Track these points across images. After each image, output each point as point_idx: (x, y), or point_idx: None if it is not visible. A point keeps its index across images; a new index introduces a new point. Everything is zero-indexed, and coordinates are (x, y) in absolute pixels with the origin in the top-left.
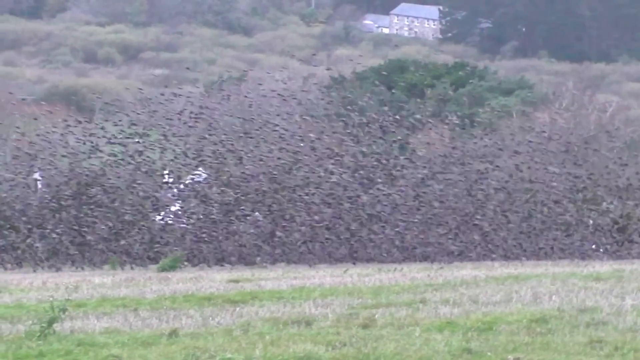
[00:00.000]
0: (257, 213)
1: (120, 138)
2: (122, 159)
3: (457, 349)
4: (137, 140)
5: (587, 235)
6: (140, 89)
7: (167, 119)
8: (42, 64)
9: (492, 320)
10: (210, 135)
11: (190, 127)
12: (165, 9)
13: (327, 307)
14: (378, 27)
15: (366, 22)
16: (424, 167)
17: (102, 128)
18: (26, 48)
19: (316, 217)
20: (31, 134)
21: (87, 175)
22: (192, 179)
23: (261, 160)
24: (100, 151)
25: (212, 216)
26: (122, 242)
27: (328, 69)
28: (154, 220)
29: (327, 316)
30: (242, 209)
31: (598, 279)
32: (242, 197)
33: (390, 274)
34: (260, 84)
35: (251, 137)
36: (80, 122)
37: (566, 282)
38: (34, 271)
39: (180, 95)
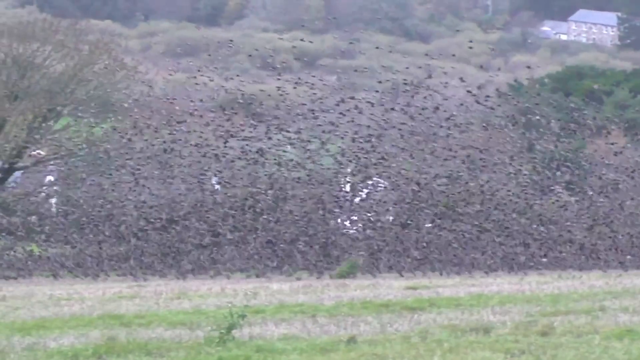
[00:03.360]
0: (435, 220)
1: (298, 145)
2: (300, 166)
3: (637, 358)
4: (315, 147)
5: None
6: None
7: (342, 124)
8: (219, 71)
9: None
10: (388, 142)
11: (368, 134)
12: (342, 15)
13: (505, 314)
14: (556, 33)
15: (544, 28)
16: (603, 174)
17: (278, 135)
18: (204, 55)
19: (490, 225)
20: (209, 141)
21: (265, 181)
22: (370, 186)
23: (434, 167)
24: (278, 157)
25: (389, 223)
26: (301, 248)
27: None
28: (331, 226)
29: (505, 324)
30: (418, 217)
31: None
32: (419, 205)
33: (568, 281)
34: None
35: (428, 144)
36: (257, 128)
37: None
38: (212, 277)
39: (358, 101)
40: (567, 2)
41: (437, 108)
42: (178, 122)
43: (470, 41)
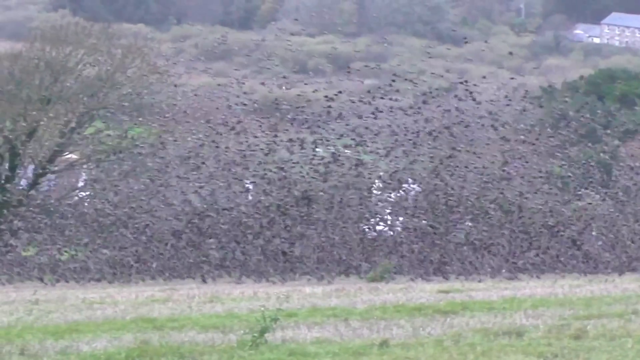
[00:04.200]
0: (468, 223)
1: (331, 148)
2: (333, 169)
3: None
4: (346, 150)
5: None
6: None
7: (374, 130)
8: (252, 75)
9: None
10: (420, 145)
11: (400, 137)
12: (375, 19)
13: (538, 317)
14: (589, 36)
15: (576, 31)
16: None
17: (308, 139)
18: (237, 59)
19: (527, 229)
20: (242, 144)
21: (298, 185)
22: (403, 189)
23: (468, 170)
24: (311, 161)
25: (423, 227)
26: (334, 252)
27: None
28: (364, 230)
29: (538, 327)
30: (454, 220)
31: None
32: (453, 208)
33: (601, 284)
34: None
35: (458, 149)
36: (290, 133)
37: None
38: (240, 281)
39: (390, 105)
40: (600, 5)
41: (469, 111)
42: (209, 126)
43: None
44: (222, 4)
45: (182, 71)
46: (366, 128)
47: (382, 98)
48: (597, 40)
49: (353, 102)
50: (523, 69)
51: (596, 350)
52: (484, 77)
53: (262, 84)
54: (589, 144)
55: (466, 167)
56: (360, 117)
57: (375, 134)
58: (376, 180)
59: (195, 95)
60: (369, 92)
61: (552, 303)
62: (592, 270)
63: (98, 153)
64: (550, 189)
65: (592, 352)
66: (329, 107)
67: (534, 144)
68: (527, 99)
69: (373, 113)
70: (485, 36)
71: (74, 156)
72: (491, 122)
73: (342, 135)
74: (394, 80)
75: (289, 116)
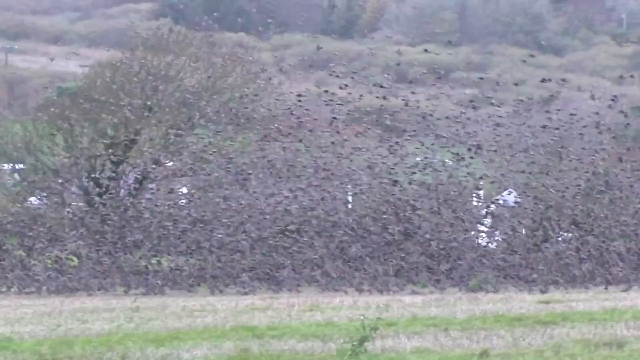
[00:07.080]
0: (567, 234)
1: (431, 158)
2: (433, 179)
3: None
4: (447, 160)
5: None
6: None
7: (475, 138)
8: (352, 84)
9: None
10: (520, 155)
11: (500, 147)
12: (476, 28)
13: (639, 329)
14: None
15: None
16: None
17: (409, 149)
18: (337, 68)
19: (622, 239)
20: (342, 154)
21: (398, 195)
22: (502, 199)
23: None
24: (412, 171)
25: (522, 236)
26: (432, 261)
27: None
28: (461, 240)
29: (639, 338)
30: (553, 229)
31: None
32: (553, 218)
33: None
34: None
35: (560, 158)
36: (390, 142)
37: None
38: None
39: (496, 114)
40: None
41: (569, 122)
42: (310, 135)
43: None
44: (323, 13)
45: (282, 80)
46: (468, 137)
47: (485, 108)
48: None
49: (453, 111)
50: (624, 80)
51: None
52: (588, 89)
53: (367, 91)
54: None
55: (567, 177)
56: (460, 126)
57: (476, 144)
58: (475, 190)
59: (297, 103)
60: (470, 101)
61: None
62: None
63: (199, 162)
64: None
65: None
66: (430, 115)
67: (634, 154)
68: (629, 109)
69: (472, 122)
70: (587, 46)
71: (174, 164)
72: (592, 132)
73: (441, 146)
74: (495, 90)
75: (383, 123)
